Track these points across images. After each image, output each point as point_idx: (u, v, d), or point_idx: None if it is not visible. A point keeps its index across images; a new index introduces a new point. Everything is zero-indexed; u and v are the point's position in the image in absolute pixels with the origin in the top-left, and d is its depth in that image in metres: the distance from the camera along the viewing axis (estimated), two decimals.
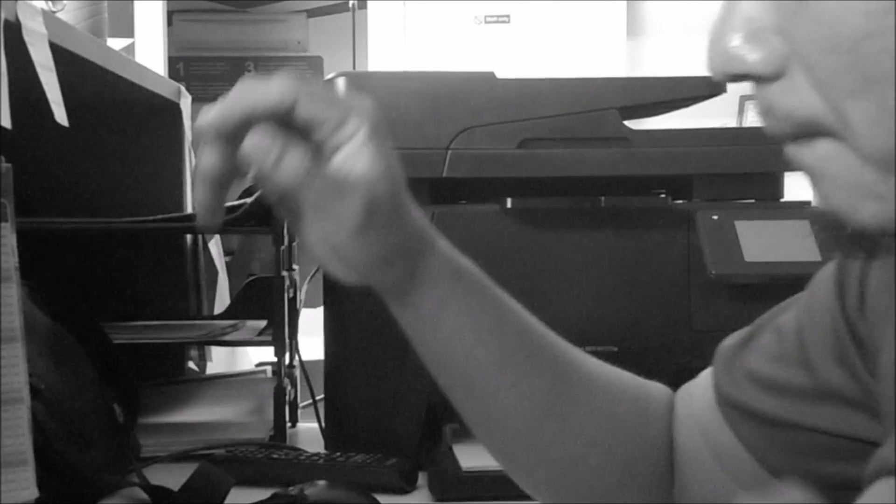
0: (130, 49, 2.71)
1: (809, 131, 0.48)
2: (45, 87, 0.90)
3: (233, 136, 0.59)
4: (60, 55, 0.95)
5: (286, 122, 0.59)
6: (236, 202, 1.24)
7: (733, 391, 0.70)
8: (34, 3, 0.93)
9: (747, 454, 0.69)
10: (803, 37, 0.45)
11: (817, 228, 0.53)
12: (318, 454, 1.09)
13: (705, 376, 0.75)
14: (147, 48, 3.10)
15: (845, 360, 0.64)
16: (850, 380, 0.63)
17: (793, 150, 0.51)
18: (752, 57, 0.47)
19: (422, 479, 1.07)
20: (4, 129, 0.80)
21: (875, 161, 0.46)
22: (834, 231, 0.51)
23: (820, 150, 0.49)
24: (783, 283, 1.11)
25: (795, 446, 0.67)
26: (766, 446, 0.68)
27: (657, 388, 0.77)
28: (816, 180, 0.50)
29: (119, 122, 1.53)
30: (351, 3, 4.57)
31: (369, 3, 3.68)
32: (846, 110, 0.45)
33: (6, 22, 0.83)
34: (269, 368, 1.54)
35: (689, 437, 0.73)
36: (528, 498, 0.76)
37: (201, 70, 5.08)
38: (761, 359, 0.69)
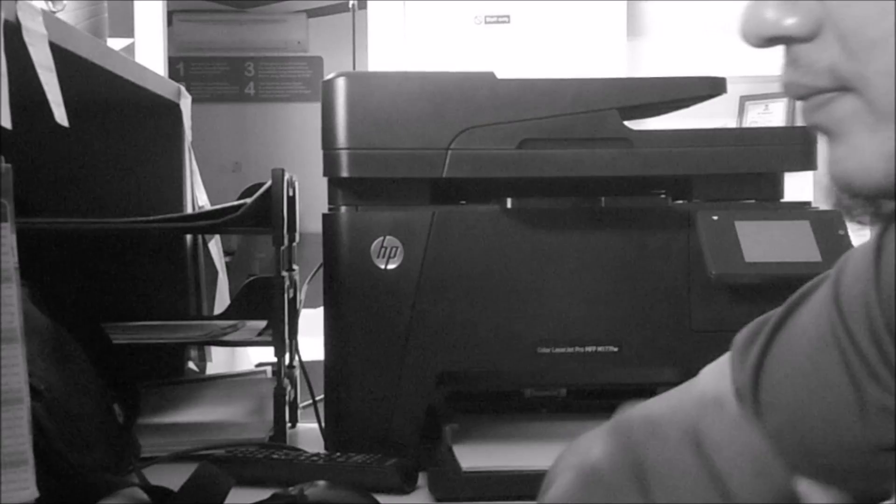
0: (130, 49, 2.71)
1: (828, 85, 0.49)
2: (45, 87, 0.90)
3: None
4: (60, 55, 0.95)
5: None
6: (236, 202, 1.24)
7: (751, 376, 0.67)
8: (34, 3, 0.93)
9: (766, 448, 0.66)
10: None
11: (832, 197, 0.53)
12: (318, 454, 1.09)
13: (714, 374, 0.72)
14: (147, 48, 3.10)
15: (878, 346, 0.62)
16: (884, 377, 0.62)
17: (811, 110, 0.52)
18: (788, 21, 0.49)
19: (422, 479, 1.07)
20: (4, 129, 0.80)
21: (888, 117, 0.47)
22: (846, 198, 0.51)
23: (838, 109, 0.49)
24: (783, 283, 1.12)
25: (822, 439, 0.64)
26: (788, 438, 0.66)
27: None
28: (832, 141, 0.51)
29: (119, 122, 1.53)
30: (351, 3, 4.57)
31: (369, 3, 3.68)
32: (868, 60, 0.46)
33: (6, 22, 0.82)
34: (269, 368, 1.54)
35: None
36: (529, 498, 0.76)
37: (201, 70, 5.08)
38: (793, 350, 0.66)
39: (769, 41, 0.51)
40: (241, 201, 1.22)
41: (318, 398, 1.25)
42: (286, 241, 1.23)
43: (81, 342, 1.06)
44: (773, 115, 4.21)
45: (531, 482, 0.75)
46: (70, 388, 0.97)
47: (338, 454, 1.08)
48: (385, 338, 1.10)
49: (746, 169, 1.14)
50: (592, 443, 0.69)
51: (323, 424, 1.20)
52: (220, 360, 1.72)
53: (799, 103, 0.52)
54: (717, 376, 0.72)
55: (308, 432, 1.29)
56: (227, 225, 1.23)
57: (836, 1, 0.48)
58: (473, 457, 1.05)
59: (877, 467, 0.62)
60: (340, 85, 1.12)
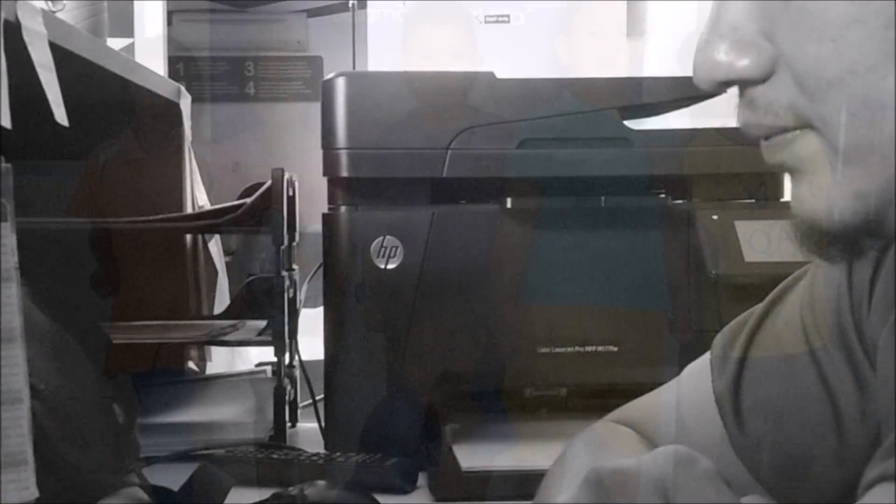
0: (130, 49, 2.71)
1: (789, 124, 0.49)
2: (45, 87, 0.90)
3: None
4: (60, 55, 0.95)
5: None
6: (236, 202, 1.24)
7: (731, 384, 0.69)
8: (34, 3, 0.93)
9: (733, 453, 0.68)
10: (789, 30, 0.46)
11: (798, 235, 0.53)
12: (318, 454, 1.09)
13: (695, 373, 0.73)
14: (147, 48, 3.10)
15: (848, 351, 0.63)
16: (849, 372, 0.62)
17: (774, 149, 0.51)
18: (741, 63, 0.49)
19: (422, 479, 1.07)
20: (4, 129, 0.80)
21: (851, 155, 0.46)
22: (814, 236, 0.51)
23: (801, 147, 0.49)
24: None
25: (788, 447, 0.65)
26: (756, 446, 0.67)
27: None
28: (796, 180, 0.51)
29: (119, 122, 1.53)
30: (351, 3, 4.56)
31: (369, 3, 3.68)
32: (826, 100, 0.46)
33: (6, 22, 0.82)
34: (269, 368, 1.54)
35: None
36: (528, 498, 0.76)
37: (201, 70, 5.08)
38: (770, 355, 0.68)
39: (723, 84, 0.51)
40: (241, 201, 1.22)
41: (318, 398, 1.25)
42: (286, 241, 1.23)
43: (81, 342, 1.06)
44: None
45: (531, 482, 0.76)
46: (70, 388, 0.97)
47: (338, 454, 1.08)
48: (385, 338, 1.10)
49: (746, 169, 1.14)
50: (561, 489, 0.68)
51: (323, 424, 1.20)
52: (220, 360, 1.72)
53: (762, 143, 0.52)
54: (697, 382, 0.73)
55: (308, 432, 1.29)
56: (227, 225, 1.23)
57: (789, 42, 0.47)
58: (473, 457, 1.05)
59: (853, 477, 0.62)
60: (340, 84, 1.12)
